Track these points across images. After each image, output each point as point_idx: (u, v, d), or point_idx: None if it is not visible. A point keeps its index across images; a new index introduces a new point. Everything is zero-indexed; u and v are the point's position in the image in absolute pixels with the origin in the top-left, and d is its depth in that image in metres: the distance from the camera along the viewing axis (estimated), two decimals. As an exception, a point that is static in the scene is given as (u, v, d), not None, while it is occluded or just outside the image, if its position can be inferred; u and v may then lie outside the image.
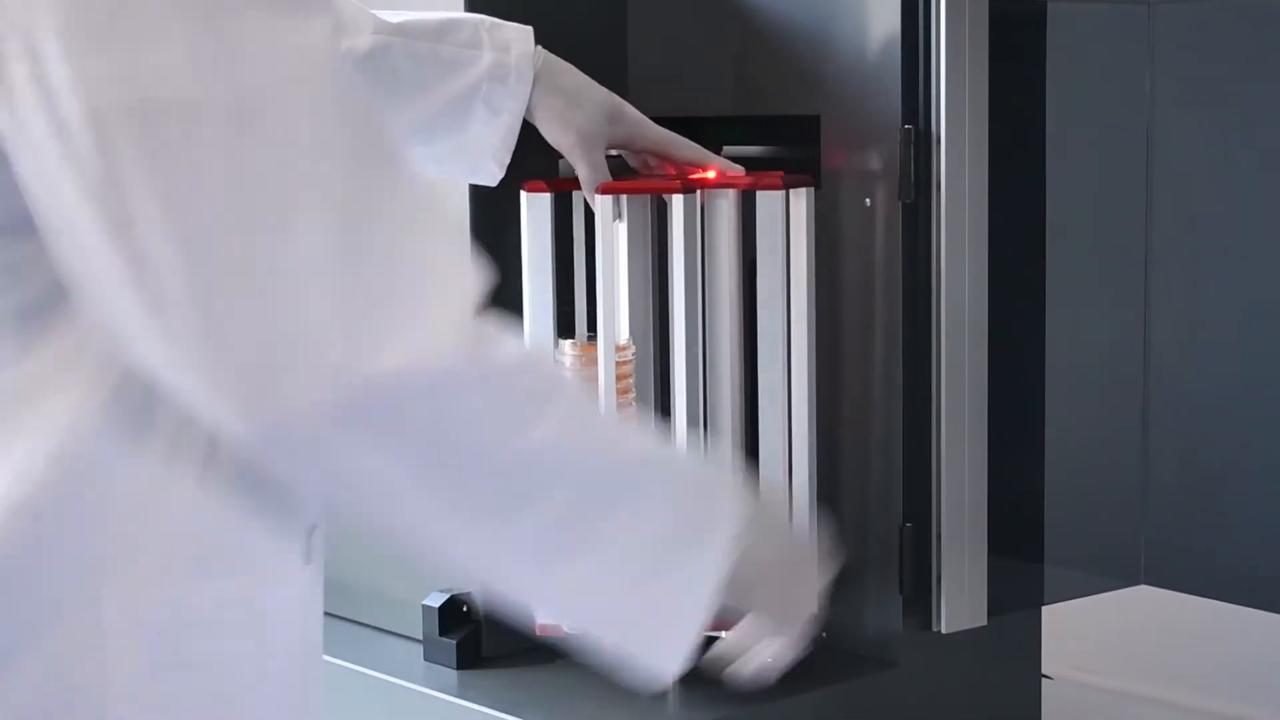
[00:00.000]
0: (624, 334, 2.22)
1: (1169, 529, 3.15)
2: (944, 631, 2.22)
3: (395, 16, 1.92)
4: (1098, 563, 3.13)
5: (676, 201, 2.14)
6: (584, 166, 2.03)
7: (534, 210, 2.20)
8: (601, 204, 2.13)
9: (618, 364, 2.18)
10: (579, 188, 2.18)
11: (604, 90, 2.01)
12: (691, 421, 2.17)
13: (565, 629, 1.51)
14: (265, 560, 1.27)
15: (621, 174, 2.19)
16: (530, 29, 2.01)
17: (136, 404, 1.18)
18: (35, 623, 1.16)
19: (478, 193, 2.21)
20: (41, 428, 1.16)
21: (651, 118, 2.12)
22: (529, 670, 2.28)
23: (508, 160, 2.03)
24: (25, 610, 1.16)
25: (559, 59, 1.99)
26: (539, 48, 1.97)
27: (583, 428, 1.27)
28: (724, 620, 1.52)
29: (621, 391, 2.18)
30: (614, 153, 2.14)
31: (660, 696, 2.20)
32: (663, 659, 1.36)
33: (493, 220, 2.23)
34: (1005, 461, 2.28)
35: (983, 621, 2.24)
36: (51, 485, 1.16)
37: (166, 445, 1.20)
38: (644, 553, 1.30)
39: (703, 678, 2.21)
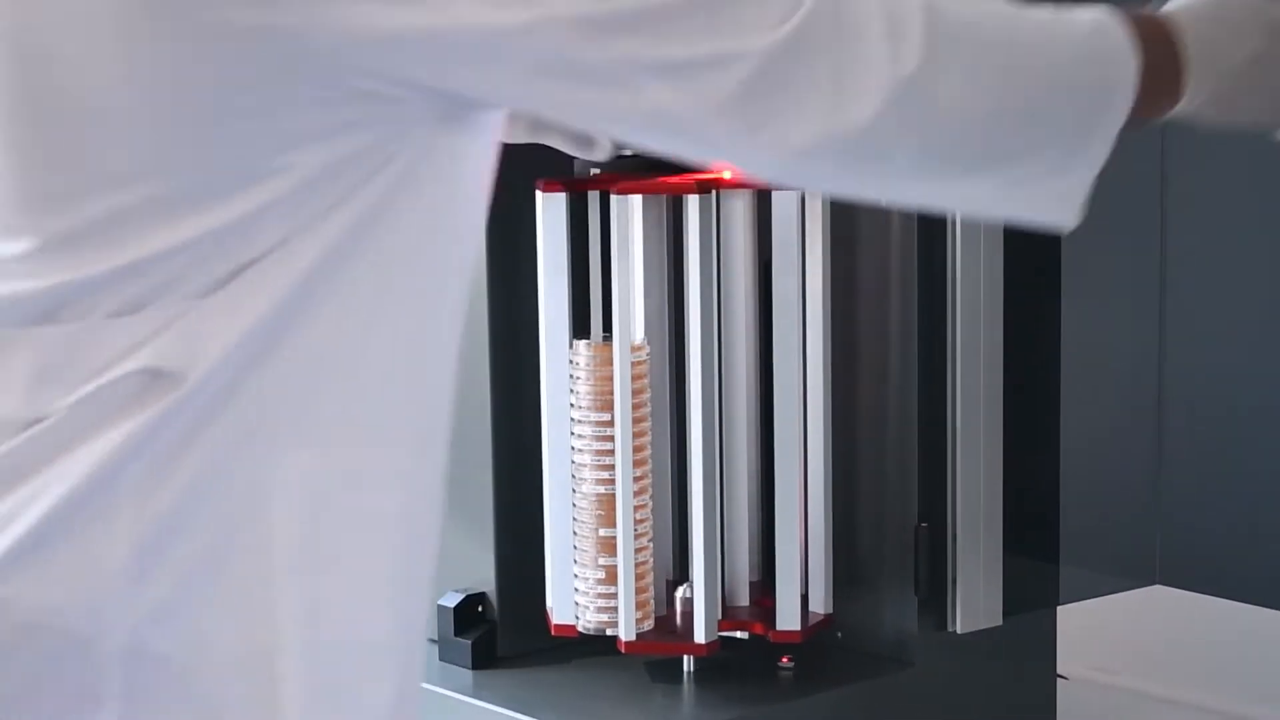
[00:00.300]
0: (639, 334, 2.22)
1: (1184, 529, 3.15)
2: (959, 632, 2.22)
3: None
4: (1112, 563, 3.13)
5: (692, 201, 2.14)
6: None
7: (549, 210, 2.20)
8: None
9: (633, 364, 2.18)
10: (595, 187, 2.19)
11: None
12: (706, 421, 2.17)
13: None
14: (422, 432, 1.33)
15: (634, 173, 2.19)
16: None
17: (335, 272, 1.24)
18: (212, 470, 1.22)
19: (493, 192, 2.21)
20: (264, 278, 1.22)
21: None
22: (543, 670, 2.28)
23: None
24: (202, 458, 1.21)
25: None
26: None
27: (965, 30, 1.29)
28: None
29: (636, 391, 2.18)
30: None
31: (675, 696, 2.20)
32: (1065, 218, 1.35)
33: (508, 220, 2.23)
34: (1020, 462, 2.27)
35: (998, 621, 2.24)
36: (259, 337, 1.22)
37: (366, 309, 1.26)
38: (1050, 127, 1.30)
39: (716, 677, 2.22)
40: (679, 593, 2.25)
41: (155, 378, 1.19)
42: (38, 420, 1.20)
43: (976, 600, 2.23)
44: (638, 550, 2.19)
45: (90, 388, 1.19)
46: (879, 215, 2.23)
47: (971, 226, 2.17)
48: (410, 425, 1.31)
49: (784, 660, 2.24)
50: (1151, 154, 3.10)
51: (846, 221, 2.24)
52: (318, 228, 1.22)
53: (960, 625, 2.22)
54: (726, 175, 2.22)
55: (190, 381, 1.19)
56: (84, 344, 1.21)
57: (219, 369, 1.20)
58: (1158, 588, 3.12)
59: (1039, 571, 2.35)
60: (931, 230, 2.20)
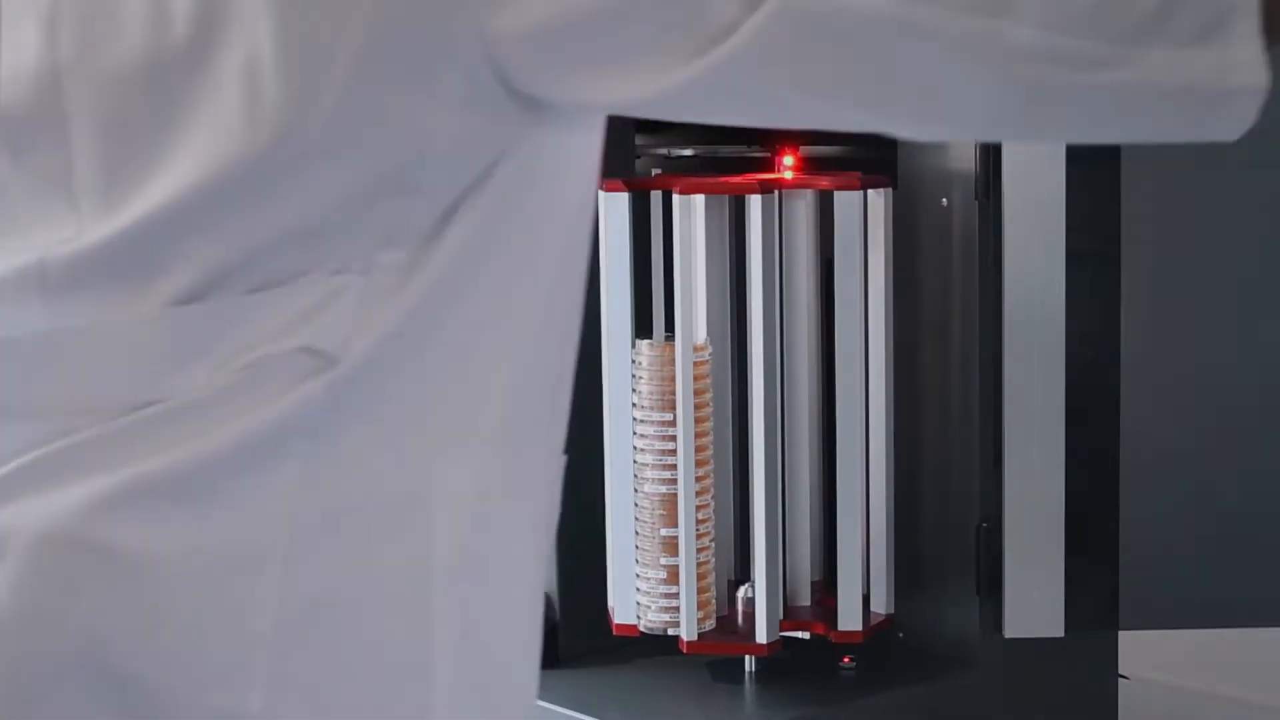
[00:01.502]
0: (701, 334, 2.23)
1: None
2: (1008, 637, 2.21)
3: None
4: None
5: (754, 201, 2.15)
6: None
7: (612, 209, 2.21)
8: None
9: (695, 364, 2.19)
10: (657, 187, 2.20)
11: None
12: (769, 421, 2.17)
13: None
14: (555, 434, 1.34)
15: (697, 172, 2.20)
16: None
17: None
18: (371, 467, 1.22)
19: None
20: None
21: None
22: (605, 670, 2.29)
23: None
24: (368, 474, 1.22)
25: None
26: None
27: None
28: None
29: (698, 391, 2.19)
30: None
31: (736, 696, 2.20)
32: (1230, 129, 1.28)
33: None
34: (1080, 469, 2.26)
35: (1059, 632, 2.23)
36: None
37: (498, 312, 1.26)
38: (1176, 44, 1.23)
39: (777, 677, 2.22)
40: (741, 592, 2.25)
41: (311, 356, 1.18)
42: (175, 398, 1.19)
43: (1034, 606, 2.22)
44: (699, 550, 2.20)
45: (241, 363, 1.18)
46: (940, 215, 2.23)
47: (1032, 224, 2.17)
48: (548, 427, 1.31)
49: (845, 660, 2.24)
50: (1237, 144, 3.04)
51: (907, 221, 2.25)
52: (455, 218, 1.20)
53: (1010, 630, 2.21)
54: (788, 176, 2.23)
55: (344, 364, 1.19)
56: (230, 321, 1.19)
57: (373, 354, 1.19)
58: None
59: (1103, 587, 2.33)
60: (992, 229, 2.20)
